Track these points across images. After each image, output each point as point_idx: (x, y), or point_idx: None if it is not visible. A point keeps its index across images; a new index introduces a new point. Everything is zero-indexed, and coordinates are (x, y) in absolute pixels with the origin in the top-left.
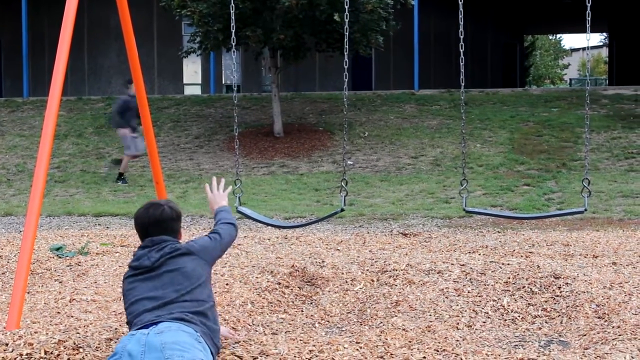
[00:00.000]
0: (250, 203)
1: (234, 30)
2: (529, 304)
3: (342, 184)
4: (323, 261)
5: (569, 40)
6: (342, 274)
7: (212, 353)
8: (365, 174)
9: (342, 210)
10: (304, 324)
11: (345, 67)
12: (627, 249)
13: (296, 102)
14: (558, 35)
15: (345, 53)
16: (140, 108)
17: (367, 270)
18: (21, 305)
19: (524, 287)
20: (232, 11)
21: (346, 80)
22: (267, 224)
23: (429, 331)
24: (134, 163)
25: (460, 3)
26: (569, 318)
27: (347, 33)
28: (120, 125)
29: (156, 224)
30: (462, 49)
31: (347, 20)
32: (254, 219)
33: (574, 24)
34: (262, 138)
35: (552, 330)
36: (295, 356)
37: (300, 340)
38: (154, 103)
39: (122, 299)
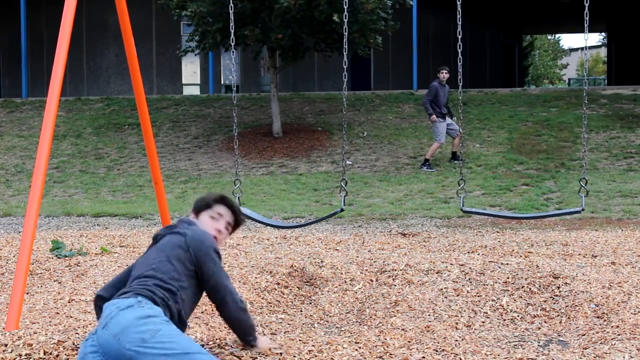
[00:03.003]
0: (249, 203)
1: (232, 30)
2: (528, 303)
3: (342, 184)
4: (322, 261)
5: (568, 40)
6: (341, 274)
7: (170, 313)
8: (364, 174)
9: (342, 210)
10: (303, 324)
11: (345, 67)
12: (626, 248)
13: (295, 102)
14: (557, 35)
15: (345, 53)
16: (139, 108)
17: (366, 270)
18: (20, 306)
19: (523, 287)
20: (231, 11)
21: (345, 80)
22: (267, 224)
23: (428, 331)
24: (133, 163)
25: (458, 3)
26: (568, 318)
27: (346, 33)
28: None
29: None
30: (460, 48)
31: (346, 21)
32: (253, 219)
33: (573, 24)
34: (261, 138)
35: (551, 330)
36: (294, 356)
37: (300, 340)
38: (152, 103)
39: None
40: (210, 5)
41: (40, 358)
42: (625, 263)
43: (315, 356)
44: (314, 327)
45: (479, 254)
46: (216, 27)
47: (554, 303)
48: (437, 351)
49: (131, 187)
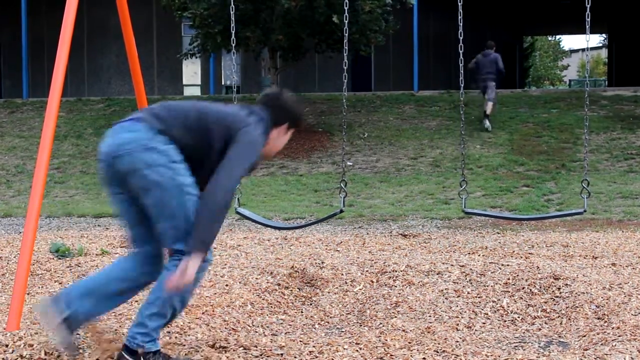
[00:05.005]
0: (250, 204)
1: (234, 32)
2: (528, 304)
3: (342, 185)
4: (323, 262)
5: (568, 41)
6: (342, 275)
7: None
8: (365, 175)
9: (341, 211)
10: (304, 325)
11: (344, 68)
12: (627, 249)
13: None
14: (557, 36)
15: (345, 54)
16: (140, 109)
17: (367, 271)
18: (21, 307)
19: (523, 288)
20: (232, 12)
21: (345, 81)
22: (266, 225)
23: (428, 332)
24: None
25: (459, 4)
26: (569, 319)
27: (346, 34)
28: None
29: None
30: (461, 50)
31: (346, 22)
32: (252, 220)
33: (573, 25)
34: None
35: (551, 331)
36: (295, 357)
37: (300, 341)
38: (153, 104)
39: None
40: (211, 7)
41: (41, 358)
42: (626, 264)
43: (316, 357)
44: (314, 328)
45: (479, 255)
46: (217, 29)
47: (555, 304)
48: (437, 352)
49: None
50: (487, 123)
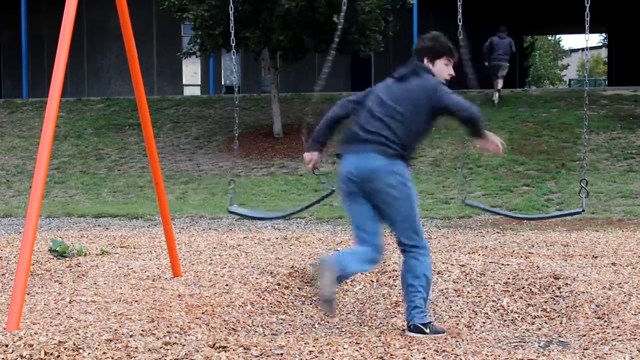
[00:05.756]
0: (250, 204)
1: (233, 32)
2: (528, 304)
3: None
4: None
5: (568, 40)
6: None
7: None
8: None
9: (333, 192)
10: (304, 324)
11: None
12: (627, 249)
13: (295, 103)
14: (557, 36)
15: (332, 53)
16: (140, 109)
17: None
18: (21, 306)
19: (523, 287)
20: (231, 12)
21: (321, 80)
22: (260, 219)
23: None
24: (134, 164)
25: (459, 4)
26: (569, 318)
27: (338, 33)
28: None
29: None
30: (460, 49)
31: (342, 21)
32: (247, 217)
33: (573, 25)
34: (262, 139)
35: (551, 331)
36: (295, 357)
37: (300, 341)
38: (153, 104)
39: None
40: (212, 9)
41: (41, 358)
42: (626, 264)
43: (316, 357)
44: (314, 328)
45: (479, 255)
46: (218, 30)
47: (555, 304)
48: (437, 352)
49: (132, 188)
50: (496, 96)
